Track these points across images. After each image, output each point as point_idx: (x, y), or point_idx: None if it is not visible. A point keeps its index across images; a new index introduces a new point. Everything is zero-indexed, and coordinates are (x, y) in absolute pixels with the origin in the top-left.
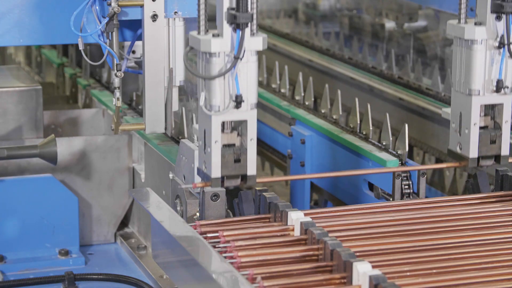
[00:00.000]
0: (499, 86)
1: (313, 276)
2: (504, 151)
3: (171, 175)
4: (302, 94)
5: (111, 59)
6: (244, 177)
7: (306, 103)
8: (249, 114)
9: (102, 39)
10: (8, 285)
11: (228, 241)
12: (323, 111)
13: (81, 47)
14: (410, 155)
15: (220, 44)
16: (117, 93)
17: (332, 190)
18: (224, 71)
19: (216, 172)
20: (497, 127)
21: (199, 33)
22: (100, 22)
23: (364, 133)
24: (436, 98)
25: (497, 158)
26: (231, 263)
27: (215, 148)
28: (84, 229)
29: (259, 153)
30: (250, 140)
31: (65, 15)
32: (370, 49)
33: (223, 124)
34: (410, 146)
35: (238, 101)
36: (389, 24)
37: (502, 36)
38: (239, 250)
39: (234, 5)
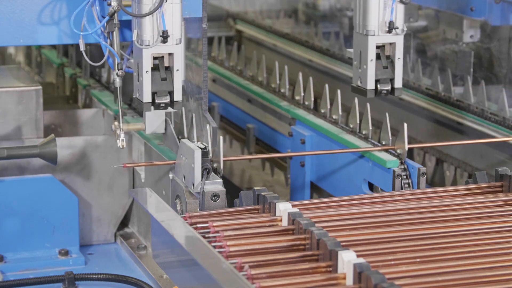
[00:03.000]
0: (391, 27)
1: (299, 264)
2: (398, 83)
3: (171, 175)
4: (302, 94)
5: (112, 59)
6: (171, 96)
7: (306, 103)
8: (175, 48)
9: (102, 39)
10: (8, 285)
11: (217, 231)
12: (323, 111)
13: (82, 48)
14: (410, 155)
15: None
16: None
17: (332, 190)
18: (153, 9)
19: (147, 97)
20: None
21: None
22: (100, 22)
23: (364, 133)
24: (436, 98)
25: (392, 90)
26: (220, 252)
27: (146, 77)
28: (84, 229)
29: (259, 153)
30: (176, 70)
31: (65, 15)
32: None
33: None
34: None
35: (164, 36)
36: None
37: None
38: (227, 239)
39: None
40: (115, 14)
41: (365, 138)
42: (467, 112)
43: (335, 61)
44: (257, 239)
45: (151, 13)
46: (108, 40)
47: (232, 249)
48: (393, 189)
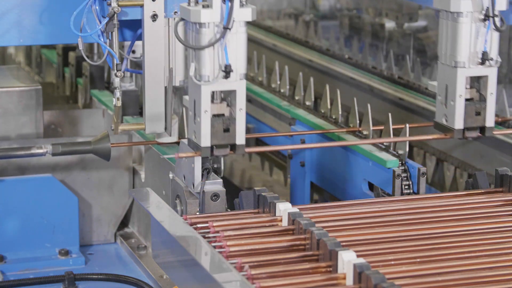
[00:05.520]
0: (484, 58)
1: (299, 264)
2: (489, 122)
3: (171, 175)
4: (302, 94)
5: (111, 59)
6: (233, 147)
7: (306, 103)
8: (238, 84)
9: (102, 39)
10: (8, 285)
11: (217, 231)
12: (323, 111)
13: (80, 47)
14: (411, 155)
15: (210, 14)
16: (117, 93)
17: (332, 190)
18: (214, 41)
19: (205, 141)
20: (482, 99)
21: (189, 4)
22: (100, 22)
23: (364, 133)
24: (435, 98)
25: (482, 129)
26: (220, 252)
27: (204, 118)
28: (84, 229)
29: (259, 153)
30: (239, 110)
31: (65, 15)
32: (370, 49)
33: (212, 94)
34: (411, 146)
35: (227, 71)
36: (389, 24)
37: (487, 8)
38: (228, 239)
39: None
40: (115, 15)
41: (365, 138)
42: None
43: (335, 61)
44: (257, 239)
45: (211, 44)
46: (108, 40)
47: (232, 249)
48: (393, 189)
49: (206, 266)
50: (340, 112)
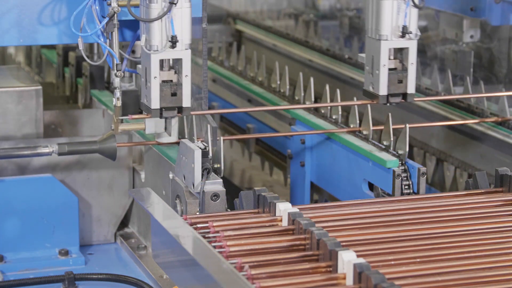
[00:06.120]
0: (404, 32)
1: (299, 264)
2: (410, 89)
3: (171, 175)
4: (302, 94)
5: (111, 59)
6: (180, 109)
7: (306, 103)
8: (183, 53)
9: (102, 39)
10: (8, 285)
11: (217, 231)
12: (323, 111)
13: (80, 47)
14: (411, 155)
15: None
16: (117, 93)
17: (332, 190)
18: (162, 14)
19: (155, 104)
20: (404, 68)
21: None
22: (100, 22)
23: (364, 133)
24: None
25: (404, 96)
26: (220, 252)
27: (154, 83)
28: (84, 229)
29: (259, 153)
30: (185, 76)
31: (65, 15)
32: None
33: (161, 62)
34: (411, 146)
35: (173, 41)
36: None
37: None
38: (228, 239)
39: None
40: (115, 15)
41: (365, 138)
42: (466, 112)
43: (335, 61)
44: (257, 239)
45: (159, 17)
46: (108, 40)
47: (232, 249)
48: (393, 189)
49: (206, 266)
50: (340, 112)
